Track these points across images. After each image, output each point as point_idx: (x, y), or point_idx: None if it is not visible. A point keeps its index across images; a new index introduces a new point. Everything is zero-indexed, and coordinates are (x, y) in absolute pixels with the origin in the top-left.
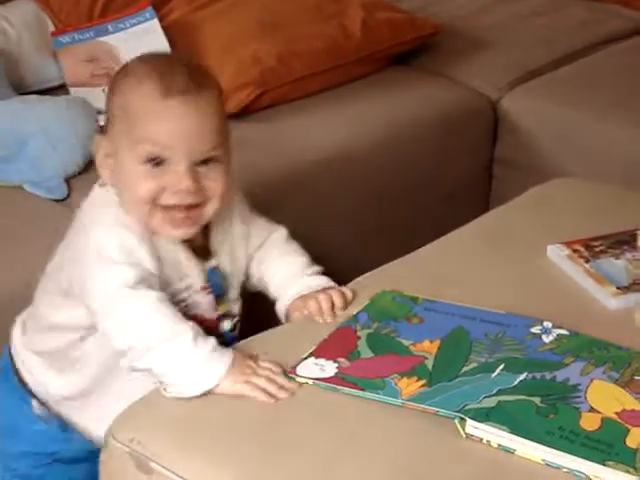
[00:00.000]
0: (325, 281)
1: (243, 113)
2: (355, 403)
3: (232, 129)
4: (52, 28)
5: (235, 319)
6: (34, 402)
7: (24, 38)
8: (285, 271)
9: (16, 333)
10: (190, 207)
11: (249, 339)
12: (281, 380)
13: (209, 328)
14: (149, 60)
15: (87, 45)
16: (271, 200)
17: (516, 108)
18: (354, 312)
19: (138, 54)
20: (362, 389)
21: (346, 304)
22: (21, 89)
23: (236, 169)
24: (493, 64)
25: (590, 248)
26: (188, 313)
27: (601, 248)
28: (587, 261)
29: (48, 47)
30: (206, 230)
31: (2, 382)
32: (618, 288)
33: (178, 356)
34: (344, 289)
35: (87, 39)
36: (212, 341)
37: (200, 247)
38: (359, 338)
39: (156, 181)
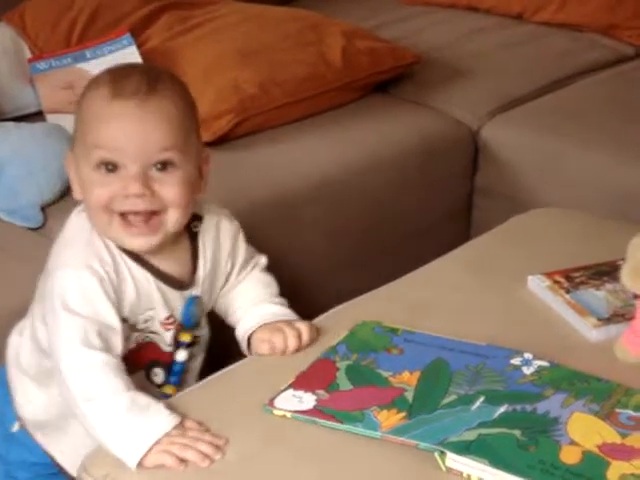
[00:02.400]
0: (289, 313)
1: (223, 141)
2: (334, 436)
3: (211, 156)
4: (29, 54)
5: (197, 346)
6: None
7: (1, 64)
8: (250, 295)
9: (12, 341)
10: (148, 215)
11: (223, 371)
12: (204, 445)
13: (161, 359)
14: (112, 68)
15: (64, 71)
16: (251, 228)
17: (496, 137)
18: (333, 343)
19: None
20: (341, 422)
21: (312, 340)
22: None
23: (215, 197)
24: (473, 93)
25: (571, 279)
26: (145, 340)
27: (582, 279)
28: (568, 292)
29: (25, 73)
30: (193, 258)
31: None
32: (599, 319)
33: (109, 417)
34: (312, 324)
35: (65, 65)
36: (146, 415)
37: (177, 277)
38: (338, 370)
39: (107, 187)
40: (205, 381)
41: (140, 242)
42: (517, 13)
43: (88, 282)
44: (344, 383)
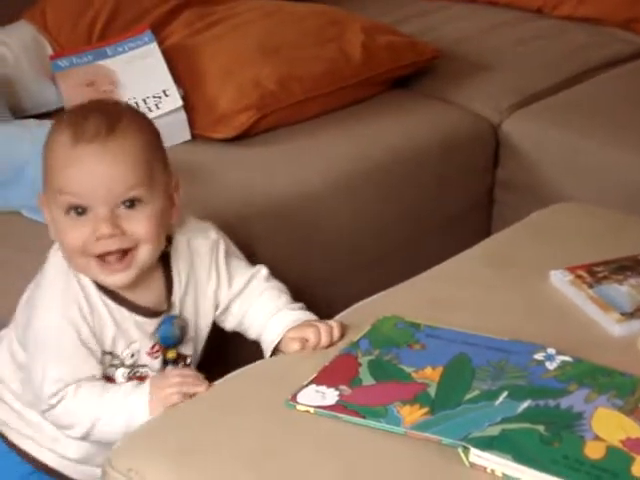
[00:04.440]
0: (310, 316)
1: (243, 137)
2: (357, 431)
3: (231, 153)
4: (50, 52)
5: (187, 359)
6: None
7: (22, 62)
8: (268, 307)
9: None
10: (122, 252)
11: (246, 367)
12: (191, 383)
13: None
14: (74, 109)
15: (86, 69)
16: (271, 223)
17: (517, 132)
18: (355, 338)
19: (136, 77)
20: (364, 417)
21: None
22: (19, 113)
23: (236, 193)
24: (494, 88)
25: (593, 274)
26: (136, 376)
27: (604, 274)
28: (590, 287)
29: (46, 71)
30: (167, 281)
31: None
32: (622, 314)
33: (114, 425)
34: (340, 323)
35: (86, 63)
36: (124, 387)
37: (153, 306)
38: (360, 365)
39: (79, 231)
40: (228, 377)
41: (117, 279)
42: (537, 7)
43: (67, 334)
44: (367, 378)
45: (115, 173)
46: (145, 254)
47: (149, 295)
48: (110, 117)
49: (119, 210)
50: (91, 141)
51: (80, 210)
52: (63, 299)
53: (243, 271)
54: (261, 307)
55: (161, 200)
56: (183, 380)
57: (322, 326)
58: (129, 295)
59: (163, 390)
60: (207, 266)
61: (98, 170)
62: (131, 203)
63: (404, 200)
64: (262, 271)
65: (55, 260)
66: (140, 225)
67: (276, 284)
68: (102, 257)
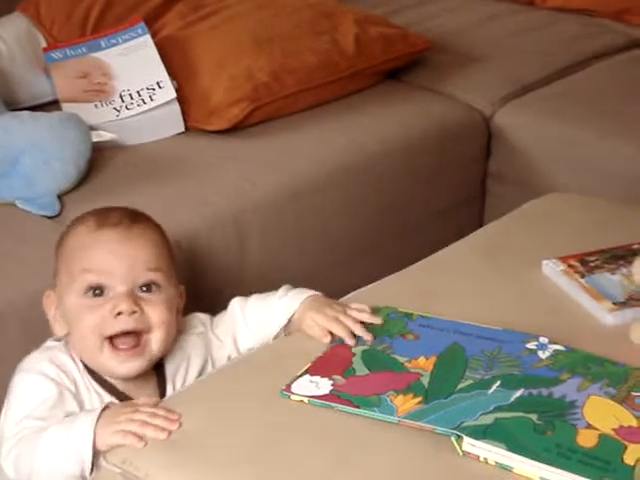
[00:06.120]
0: (300, 292)
1: (236, 129)
2: (351, 421)
3: (225, 145)
4: (44, 44)
5: None
6: None
7: (16, 54)
8: (259, 312)
9: None
10: (136, 337)
11: (240, 357)
12: (160, 419)
13: None
14: (90, 211)
15: (79, 61)
16: (266, 215)
17: (510, 123)
18: None
19: (130, 69)
20: (357, 406)
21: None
22: (13, 105)
23: (229, 185)
24: (486, 79)
25: (586, 263)
26: None
27: (597, 263)
28: (583, 276)
29: (40, 63)
30: (160, 384)
31: None
32: (614, 304)
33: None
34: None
35: (79, 55)
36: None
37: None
38: (354, 355)
39: (97, 310)
40: (222, 367)
41: (128, 367)
42: None
43: (48, 391)
44: (360, 368)
45: (138, 253)
46: (156, 342)
47: (142, 395)
48: (131, 212)
49: (137, 292)
50: (114, 227)
51: (98, 291)
52: (48, 367)
53: (226, 322)
54: (259, 310)
55: (173, 292)
56: (147, 419)
57: (351, 324)
58: (124, 390)
59: (116, 423)
60: (201, 355)
61: (121, 249)
62: (148, 287)
63: (397, 191)
64: (234, 303)
65: (37, 355)
66: (156, 309)
67: (252, 298)
68: (114, 342)
